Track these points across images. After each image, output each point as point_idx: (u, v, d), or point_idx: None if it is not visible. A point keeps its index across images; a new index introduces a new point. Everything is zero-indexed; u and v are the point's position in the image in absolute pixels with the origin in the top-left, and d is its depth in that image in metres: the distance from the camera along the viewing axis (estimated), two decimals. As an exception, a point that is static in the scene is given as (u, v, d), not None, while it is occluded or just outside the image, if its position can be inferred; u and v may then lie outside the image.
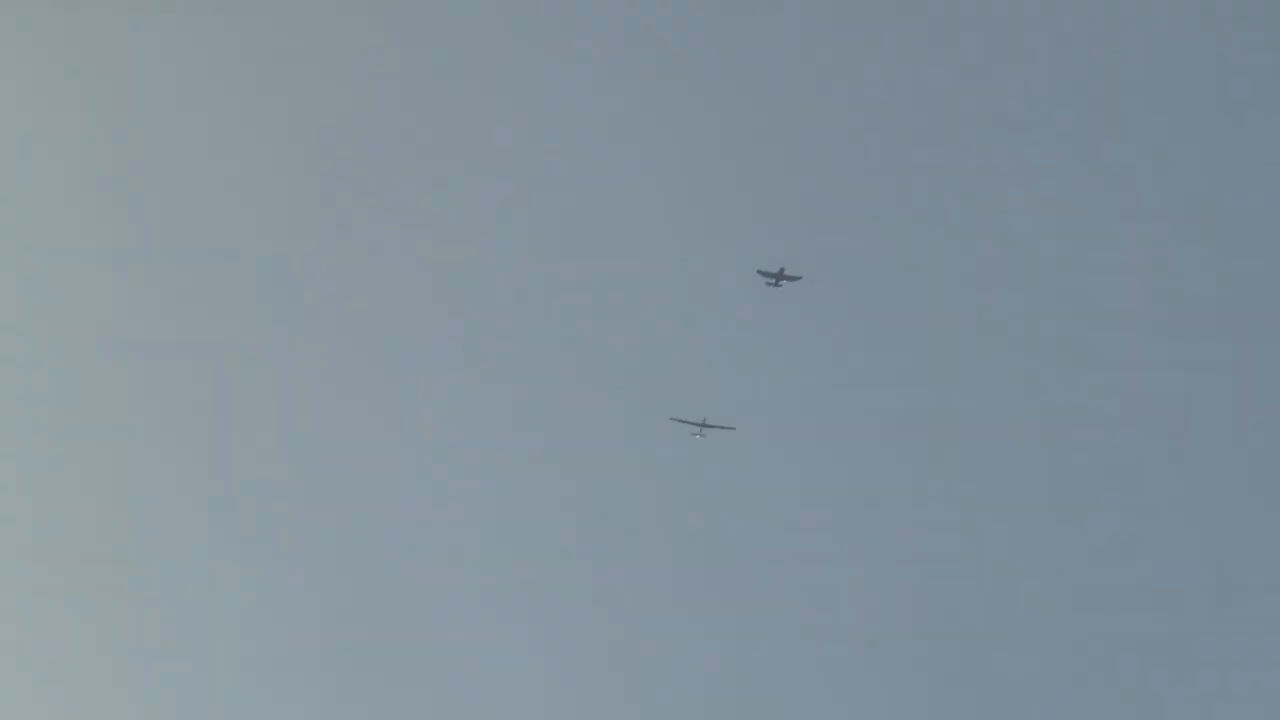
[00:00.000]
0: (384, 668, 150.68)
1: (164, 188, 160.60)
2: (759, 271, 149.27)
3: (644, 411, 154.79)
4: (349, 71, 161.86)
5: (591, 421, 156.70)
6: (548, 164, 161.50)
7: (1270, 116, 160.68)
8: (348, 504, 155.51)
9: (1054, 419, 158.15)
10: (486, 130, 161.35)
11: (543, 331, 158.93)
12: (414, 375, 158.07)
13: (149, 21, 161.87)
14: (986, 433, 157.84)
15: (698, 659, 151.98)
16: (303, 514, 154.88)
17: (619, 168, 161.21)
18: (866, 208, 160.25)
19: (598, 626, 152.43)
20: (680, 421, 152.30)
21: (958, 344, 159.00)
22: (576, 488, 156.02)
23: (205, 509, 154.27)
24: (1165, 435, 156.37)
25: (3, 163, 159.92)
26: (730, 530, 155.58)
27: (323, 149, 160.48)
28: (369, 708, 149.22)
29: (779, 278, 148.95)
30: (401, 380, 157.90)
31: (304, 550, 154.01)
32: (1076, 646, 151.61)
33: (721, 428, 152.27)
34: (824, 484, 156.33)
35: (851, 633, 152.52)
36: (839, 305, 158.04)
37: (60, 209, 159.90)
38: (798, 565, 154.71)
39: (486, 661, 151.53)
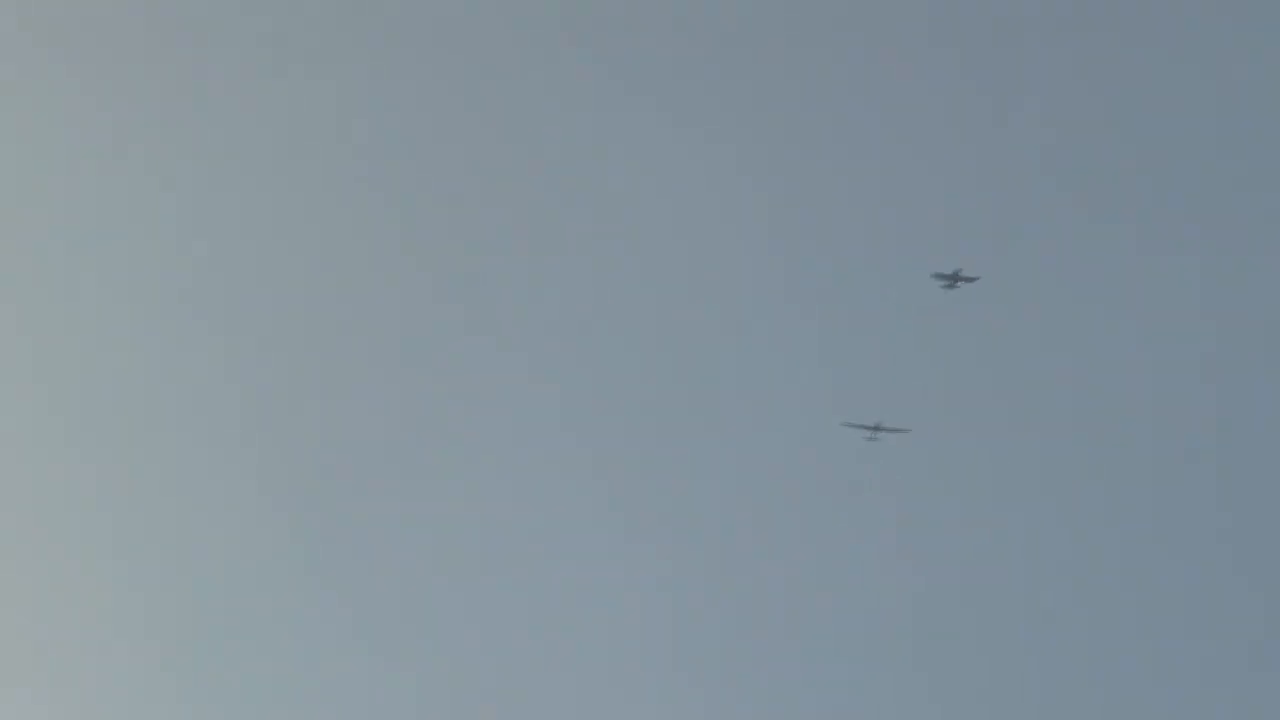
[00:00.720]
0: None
1: (177, 194, 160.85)
2: (934, 275, 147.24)
3: (817, 416, 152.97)
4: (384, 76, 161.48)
5: (766, 427, 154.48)
6: (733, 165, 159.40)
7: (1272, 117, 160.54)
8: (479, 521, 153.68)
9: (1236, 425, 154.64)
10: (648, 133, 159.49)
11: (715, 334, 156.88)
12: (592, 382, 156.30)
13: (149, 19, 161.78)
14: (1159, 434, 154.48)
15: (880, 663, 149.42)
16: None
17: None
18: (1031, 205, 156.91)
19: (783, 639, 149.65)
20: (853, 426, 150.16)
21: (1133, 344, 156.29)
22: (754, 495, 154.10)
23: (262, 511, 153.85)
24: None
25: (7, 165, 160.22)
26: (905, 531, 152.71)
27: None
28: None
29: (956, 279, 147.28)
30: (573, 386, 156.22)
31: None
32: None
33: (896, 430, 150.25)
34: (999, 485, 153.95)
35: (1041, 632, 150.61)
36: (1010, 305, 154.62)
37: (64, 210, 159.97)
38: (970, 566, 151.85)
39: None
